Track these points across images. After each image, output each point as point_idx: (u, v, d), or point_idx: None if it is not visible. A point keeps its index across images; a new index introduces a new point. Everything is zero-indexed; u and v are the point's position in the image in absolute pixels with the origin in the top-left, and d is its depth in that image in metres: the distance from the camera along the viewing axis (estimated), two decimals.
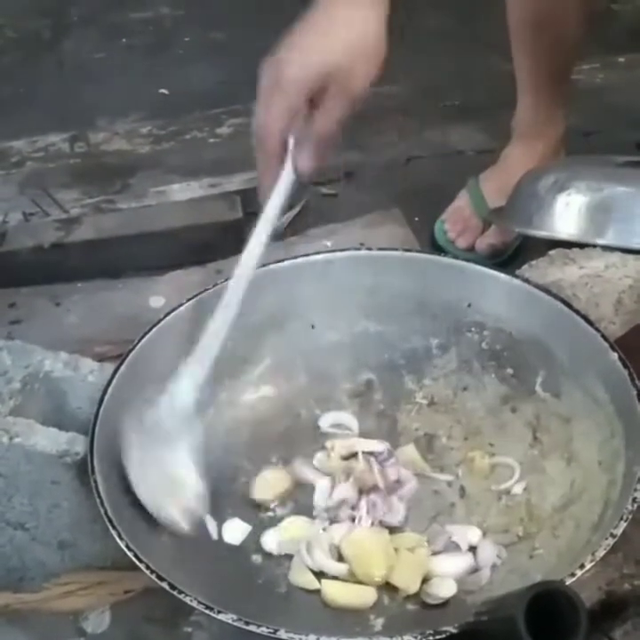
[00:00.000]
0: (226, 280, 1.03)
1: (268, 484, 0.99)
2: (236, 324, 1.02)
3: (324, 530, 0.94)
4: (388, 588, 0.89)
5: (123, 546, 0.80)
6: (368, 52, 0.90)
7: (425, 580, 0.89)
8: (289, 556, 0.93)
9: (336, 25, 0.89)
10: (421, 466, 1.00)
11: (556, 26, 1.35)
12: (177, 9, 2.32)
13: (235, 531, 0.96)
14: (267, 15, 2.18)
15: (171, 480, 0.90)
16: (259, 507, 0.98)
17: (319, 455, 1.02)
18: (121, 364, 0.96)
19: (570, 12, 1.35)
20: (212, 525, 0.95)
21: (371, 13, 0.91)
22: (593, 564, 0.77)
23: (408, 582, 0.88)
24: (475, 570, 0.90)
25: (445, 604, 0.87)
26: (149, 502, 0.88)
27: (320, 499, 0.97)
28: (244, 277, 0.94)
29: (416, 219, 1.53)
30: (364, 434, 1.05)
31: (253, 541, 0.95)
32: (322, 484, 0.99)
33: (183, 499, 0.90)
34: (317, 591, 0.90)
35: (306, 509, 0.97)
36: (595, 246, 1.14)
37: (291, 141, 0.91)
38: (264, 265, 1.05)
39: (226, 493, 0.99)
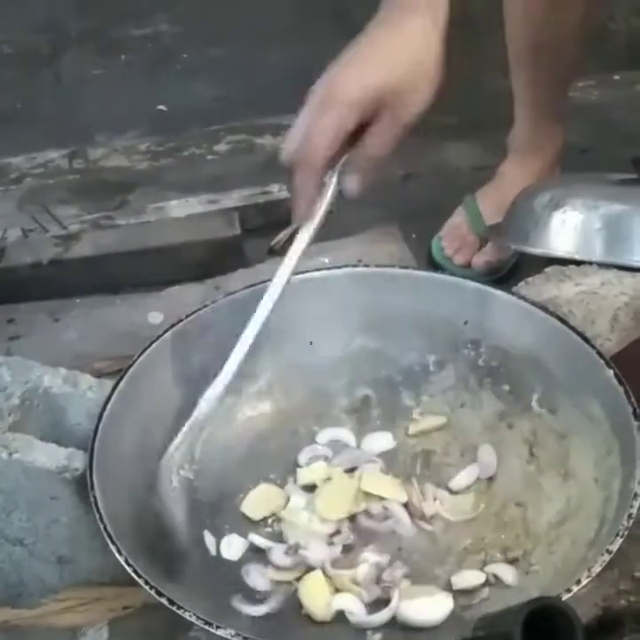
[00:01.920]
0: (225, 296, 1.05)
1: (261, 501, 1.00)
2: (234, 340, 1.03)
3: None
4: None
5: (122, 561, 0.80)
6: (426, 77, 0.87)
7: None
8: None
9: (397, 45, 0.87)
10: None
11: (555, 47, 1.36)
12: (176, 25, 2.33)
13: (232, 546, 0.96)
14: (266, 32, 2.20)
15: None
16: (256, 523, 0.98)
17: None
18: (120, 380, 0.96)
19: (568, 32, 1.36)
20: (210, 541, 0.96)
21: (432, 30, 0.88)
22: (589, 580, 0.78)
23: None
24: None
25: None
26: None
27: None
28: (272, 302, 0.92)
29: (413, 235, 1.54)
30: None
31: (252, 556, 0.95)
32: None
33: None
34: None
35: None
36: (591, 263, 1.15)
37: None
38: (262, 282, 1.05)
39: (224, 509, 0.99)
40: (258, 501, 1.00)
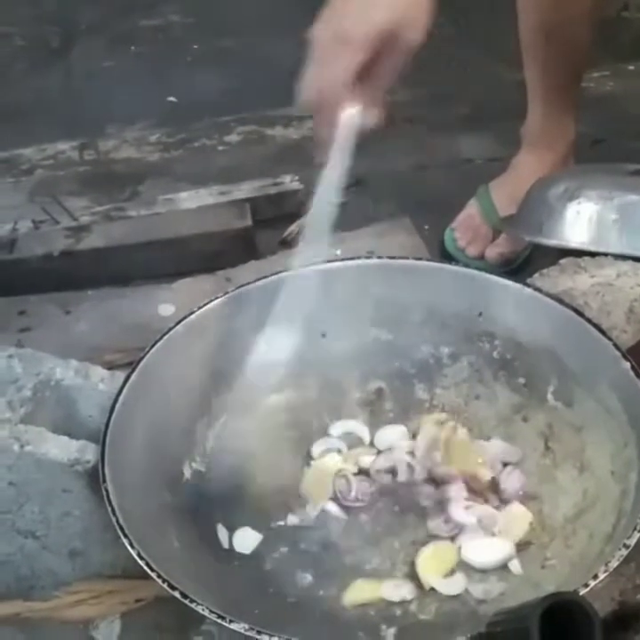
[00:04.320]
0: (236, 288, 1.04)
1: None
2: (247, 332, 1.02)
3: None
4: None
5: (134, 554, 0.80)
6: (423, 7, 0.90)
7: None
8: (299, 566, 0.93)
9: None
10: None
11: (566, 34, 1.36)
12: (186, 17, 2.33)
13: (246, 539, 0.96)
14: (275, 23, 2.19)
15: None
16: (269, 516, 0.98)
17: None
18: (132, 372, 0.96)
19: (580, 20, 1.35)
20: (223, 534, 0.95)
21: None
22: (606, 574, 0.77)
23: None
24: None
25: (458, 614, 0.87)
26: None
27: None
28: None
29: (426, 227, 1.53)
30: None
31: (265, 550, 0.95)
32: None
33: None
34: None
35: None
36: (606, 255, 1.14)
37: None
38: (273, 273, 1.05)
39: (237, 502, 0.98)
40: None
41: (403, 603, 0.89)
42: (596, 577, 0.77)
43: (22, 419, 0.92)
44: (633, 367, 0.91)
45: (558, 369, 1.00)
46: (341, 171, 0.92)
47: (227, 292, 1.04)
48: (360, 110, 0.91)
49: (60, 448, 0.89)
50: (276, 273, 1.06)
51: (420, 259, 1.12)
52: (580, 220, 1.20)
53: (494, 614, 0.74)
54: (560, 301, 1.00)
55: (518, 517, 0.95)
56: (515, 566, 0.91)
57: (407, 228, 1.49)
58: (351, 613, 0.89)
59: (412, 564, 0.93)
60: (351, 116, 0.91)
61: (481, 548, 0.93)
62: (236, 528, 0.96)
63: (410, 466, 1.00)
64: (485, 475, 0.99)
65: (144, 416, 0.94)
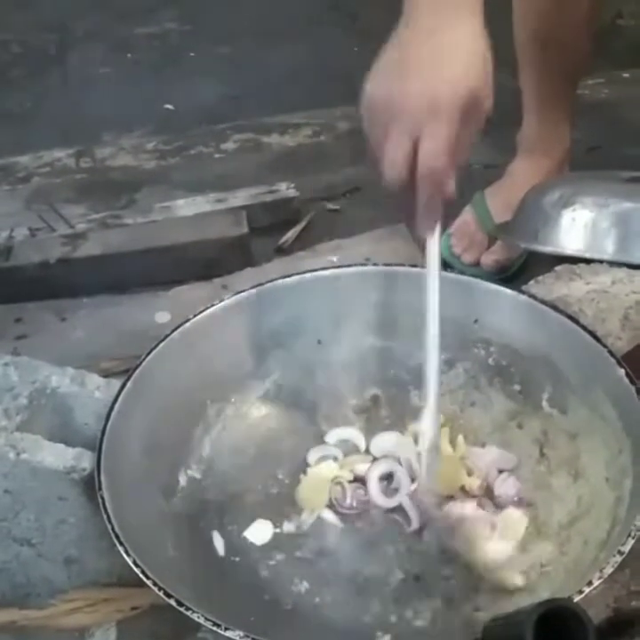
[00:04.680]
0: (232, 295, 1.04)
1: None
2: (243, 339, 1.03)
3: None
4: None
5: (130, 562, 0.80)
6: (490, 78, 0.87)
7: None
8: (295, 573, 0.93)
9: (469, 48, 0.86)
10: None
11: (562, 41, 1.36)
12: (183, 24, 2.33)
13: (260, 531, 0.97)
14: (272, 31, 2.20)
15: None
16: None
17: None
18: (127, 380, 0.96)
19: (577, 27, 1.36)
20: (218, 541, 0.95)
21: (475, 23, 0.88)
22: (601, 581, 0.77)
23: None
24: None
25: (454, 621, 0.87)
26: None
27: None
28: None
29: None
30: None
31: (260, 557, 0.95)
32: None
33: None
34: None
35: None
36: (601, 262, 1.14)
37: None
38: (269, 281, 1.05)
39: (232, 509, 0.98)
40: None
41: (399, 610, 0.88)
42: (590, 583, 0.77)
43: (18, 426, 0.92)
44: (628, 374, 0.92)
45: (553, 376, 1.00)
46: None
47: (223, 300, 1.04)
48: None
49: (56, 456, 0.89)
50: (272, 280, 1.06)
51: (415, 266, 1.12)
52: (575, 227, 1.20)
53: (490, 621, 0.74)
54: (555, 308, 1.01)
55: (515, 521, 0.95)
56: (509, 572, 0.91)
57: (403, 235, 1.49)
58: (347, 621, 0.89)
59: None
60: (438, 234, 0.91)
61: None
62: (232, 536, 0.96)
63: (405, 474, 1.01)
64: (474, 482, 0.99)
65: (140, 424, 0.95)
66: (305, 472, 1.02)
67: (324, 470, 1.02)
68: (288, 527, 0.98)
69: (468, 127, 0.86)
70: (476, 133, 0.87)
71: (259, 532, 0.97)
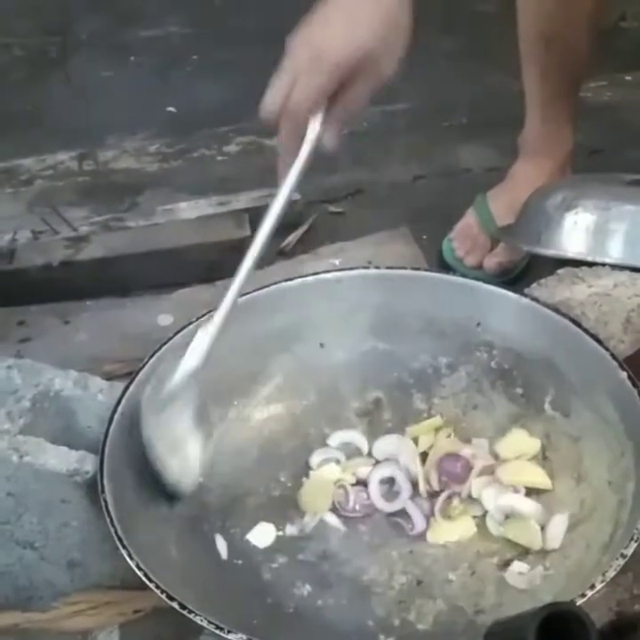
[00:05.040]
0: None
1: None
2: (245, 342, 1.02)
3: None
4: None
5: (133, 565, 0.80)
6: (398, 34, 0.90)
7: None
8: (297, 576, 0.93)
9: (374, 7, 0.90)
10: None
11: (566, 43, 1.36)
12: (185, 27, 2.33)
13: (262, 534, 0.97)
14: (274, 34, 2.20)
15: (174, 439, 0.93)
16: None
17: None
18: (131, 382, 0.96)
19: (579, 29, 1.36)
20: (221, 544, 0.95)
21: None
22: (603, 584, 0.77)
23: None
24: None
25: (456, 624, 0.87)
26: (156, 462, 0.91)
27: None
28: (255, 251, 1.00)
29: (424, 237, 1.53)
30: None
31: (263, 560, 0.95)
32: None
33: (184, 456, 0.94)
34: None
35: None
36: (603, 265, 1.14)
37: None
38: (272, 283, 1.05)
39: (235, 512, 0.98)
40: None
41: (401, 613, 0.88)
42: (593, 587, 0.77)
43: (21, 429, 0.92)
44: (630, 377, 0.92)
45: (556, 379, 1.00)
46: (292, 189, 0.94)
47: None
48: (322, 130, 0.91)
49: (59, 459, 0.90)
50: (275, 283, 1.06)
51: (418, 268, 1.13)
52: (577, 230, 1.20)
53: (492, 624, 0.74)
54: (557, 311, 1.01)
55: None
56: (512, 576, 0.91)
57: (405, 238, 1.49)
58: (349, 624, 0.89)
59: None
60: (314, 136, 0.91)
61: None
62: (235, 539, 0.96)
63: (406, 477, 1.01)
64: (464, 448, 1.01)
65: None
66: (307, 475, 1.02)
67: (326, 473, 1.02)
68: (291, 530, 0.98)
69: (357, 86, 0.90)
70: (368, 94, 0.91)
71: (261, 535, 0.97)
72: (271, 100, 0.91)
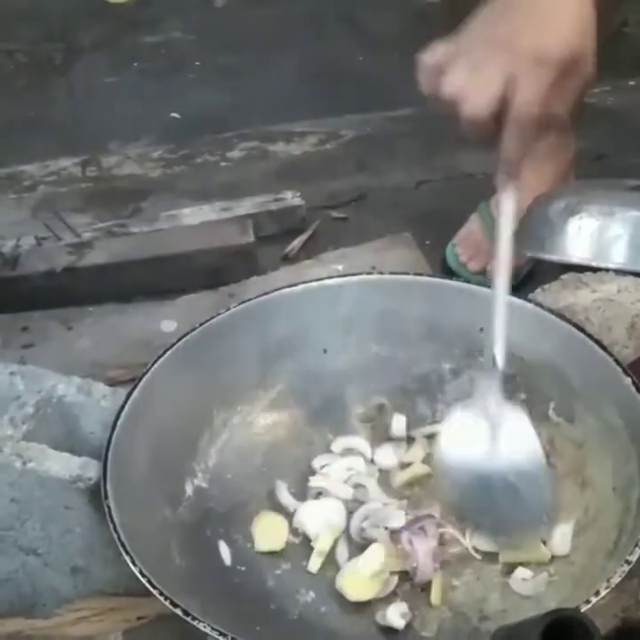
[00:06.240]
0: (238, 304, 1.04)
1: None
2: (249, 348, 1.03)
3: None
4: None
5: (136, 572, 0.80)
6: (591, 35, 0.85)
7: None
8: (301, 583, 0.93)
9: (562, 6, 0.84)
10: None
11: None
12: (188, 33, 2.33)
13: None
14: (277, 40, 2.20)
15: None
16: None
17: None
18: (134, 388, 0.96)
19: None
20: (224, 551, 0.95)
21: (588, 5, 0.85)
22: (608, 590, 0.77)
23: None
24: None
25: (460, 631, 0.87)
26: None
27: None
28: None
29: (427, 242, 1.53)
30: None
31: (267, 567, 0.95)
32: None
33: None
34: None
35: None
36: (607, 270, 1.14)
37: None
38: (275, 289, 1.06)
39: (238, 519, 0.98)
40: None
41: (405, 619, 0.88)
42: (597, 593, 0.76)
43: (24, 436, 0.92)
44: (634, 383, 0.92)
45: (559, 384, 1.00)
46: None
47: (229, 308, 1.04)
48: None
49: (62, 465, 0.89)
50: (278, 289, 1.06)
51: (421, 274, 1.12)
52: (581, 236, 1.20)
53: (496, 630, 0.74)
54: (561, 317, 1.01)
55: None
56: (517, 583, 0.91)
57: (408, 244, 1.49)
58: (353, 631, 0.89)
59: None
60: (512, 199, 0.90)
61: None
62: (238, 545, 0.96)
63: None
64: None
65: (146, 433, 0.94)
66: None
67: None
68: (294, 537, 0.98)
69: (564, 89, 0.83)
70: (570, 99, 0.85)
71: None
72: (481, 99, 0.82)
